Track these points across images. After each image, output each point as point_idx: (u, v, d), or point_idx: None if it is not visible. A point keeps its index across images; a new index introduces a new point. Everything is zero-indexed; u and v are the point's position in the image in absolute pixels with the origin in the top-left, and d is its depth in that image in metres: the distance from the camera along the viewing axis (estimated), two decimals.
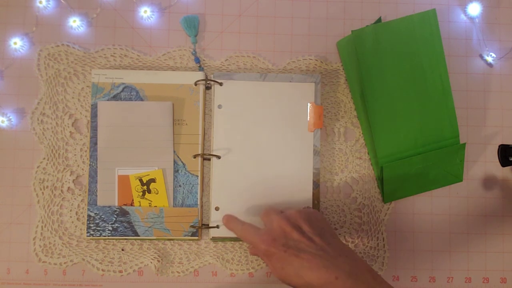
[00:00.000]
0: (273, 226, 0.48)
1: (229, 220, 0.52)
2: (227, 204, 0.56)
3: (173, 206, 0.56)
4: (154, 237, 0.56)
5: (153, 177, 0.56)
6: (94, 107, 0.57)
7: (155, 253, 0.57)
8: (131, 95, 0.57)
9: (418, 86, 0.56)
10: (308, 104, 0.58)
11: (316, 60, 0.60)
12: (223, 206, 0.56)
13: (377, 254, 0.58)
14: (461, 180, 0.59)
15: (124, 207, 0.56)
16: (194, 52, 0.60)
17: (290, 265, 0.46)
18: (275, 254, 0.47)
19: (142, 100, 0.57)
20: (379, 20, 0.59)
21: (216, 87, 0.57)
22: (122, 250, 0.57)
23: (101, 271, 0.57)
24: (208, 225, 0.56)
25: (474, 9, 0.61)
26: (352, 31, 0.54)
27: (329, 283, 0.45)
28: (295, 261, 0.46)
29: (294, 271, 0.46)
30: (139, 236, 0.56)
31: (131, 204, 0.56)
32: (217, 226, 0.56)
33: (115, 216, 0.56)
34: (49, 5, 0.59)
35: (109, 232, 0.56)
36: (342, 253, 0.47)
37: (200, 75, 0.58)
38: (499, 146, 0.61)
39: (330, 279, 0.45)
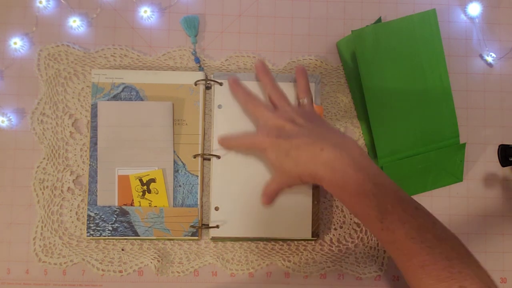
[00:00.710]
0: (268, 123, 0.51)
1: (226, 140, 0.55)
2: (227, 204, 0.56)
3: (173, 206, 0.56)
4: (154, 237, 0.56)
5: (153, 177, 0.56)
6: (94, 107, 0.57)
7: (155, 253, 0.57)
8: (131, 95, 0.57)
9: (418, 86, 0.56)
10: None
11: (316, 60, 0.60)
12: (223, 206, 0.56)
13: (377, 254, 0.58)
14: (461, 180, 0.59)
15: (124, 207, 0.56)
16: (194, 52, 0.60)
17: (282, 151, 0.48)
18: (269, 143, 0.49)
19: (142, 100, 0.57)
20: (379, 20, 0.59)
21: (216, 87, 0.57)
22: (122, 250, 0.57)
23: (101, 271, 0.57)
24: (208, 225, 0.56)
25: (474, 9, 0.61)
26: (352, 31, 0.54)
27: (315, 155, 0.46)
28: (285, 144, 0.48)
29: (285, 154, 0.48)
30: (139, 236, 0.56)
31: (131, 204, 0.56)
32: (217, 226, 0.56)
33: (115, 216, 0.56)
34: (49, 5, 0.59)
35: (109, 232, 0.56)
36: (330, 132, 0.49)
37: (200, 75, 0.58)
38: (499, 146, 0.61)
39: (316, 151, 0.46)
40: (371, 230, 0.45)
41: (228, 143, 0.55)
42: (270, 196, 0.52)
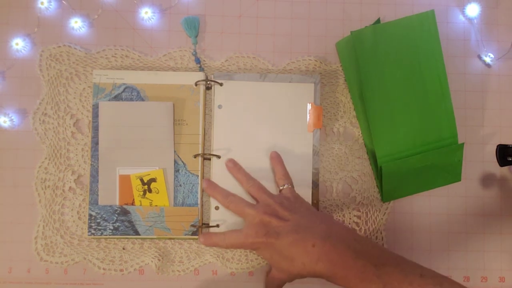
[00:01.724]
0: (254, 222, 0.51)
1: (209, 238, 0.53)
2: None
3: (174, 206, 0.57)
4: (155, 236, 0.56)
5: (154, 177, 0.57)
6: (95, 107, 0.57)
7: (155, 252, 0.57)
8: (132, 95, 0.57)
9: (417, 86, 0.56)
10: (308, 104, 0.58)
11: (316, 60, 0.61)
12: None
13: None
14: (460, 180, 0.60)
15: (125, 206, 0.56)
16: (194, 53, 0.60)
17: (274, 250, 0.48)
18: (260, 244, 0.49)
19: (143, 100, 0.57)
20: (378, 21, 0.60)
21: (216, 88, 0.58)
22: (123, 249, 0.58)
23: (102, 270, 0.57)
24: (208, 224, 0.57)
25: (473, 10, 0.62)
26: (351, 32, 0.55)
27: (308, 252, 0.46)
28: (276, 243, 0.48)
29: (279, 254, 0.48)
30: (140, 235, 0.56)
31: (132, 204, 0.56)
32: (217, 225, 0.56)
33: (116, 215, 0.56)
34: (50, 6, 0.60)
35: (110, 231, 0.56)
36: (317, 222, 0.48)
37: (200, 76, 0.58)
38: (497, 146, 0.61)
39: (307, 247, 0.46)
40: None
41: (215, 242, 0.53)
42: None
